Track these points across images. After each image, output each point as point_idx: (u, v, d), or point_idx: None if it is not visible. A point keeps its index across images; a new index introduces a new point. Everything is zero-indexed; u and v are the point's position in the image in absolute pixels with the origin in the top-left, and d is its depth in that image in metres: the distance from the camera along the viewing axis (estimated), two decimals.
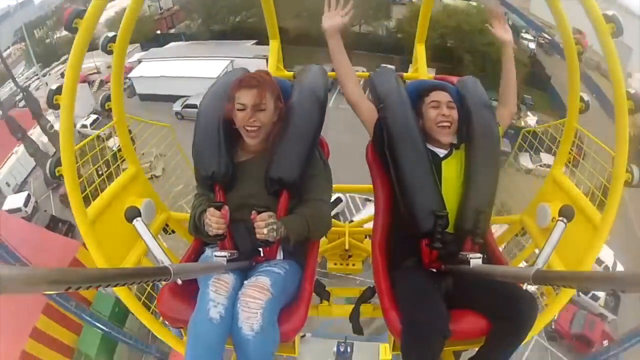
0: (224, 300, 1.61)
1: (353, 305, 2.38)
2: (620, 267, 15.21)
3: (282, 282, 1.75)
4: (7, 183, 22.02)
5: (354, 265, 3.81)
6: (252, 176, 1.93)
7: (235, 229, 1.86)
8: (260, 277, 1.70)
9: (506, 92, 2.26)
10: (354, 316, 2.30)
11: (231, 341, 1.64)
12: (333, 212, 16.90)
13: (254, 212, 1.70)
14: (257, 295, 1.59)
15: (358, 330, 2.27)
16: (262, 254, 1.90)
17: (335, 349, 5.70)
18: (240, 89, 1.86)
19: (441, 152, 2.08)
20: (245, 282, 1.69)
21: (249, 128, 1.86)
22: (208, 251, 2.00)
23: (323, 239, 3.67)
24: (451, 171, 2.03)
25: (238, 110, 1.86)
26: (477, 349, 1.85)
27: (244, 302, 1.59)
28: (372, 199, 2.38)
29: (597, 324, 14.43)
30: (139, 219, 1.63)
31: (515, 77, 2.26)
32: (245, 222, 1.78)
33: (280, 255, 1.95)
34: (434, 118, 2.07)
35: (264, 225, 1.65)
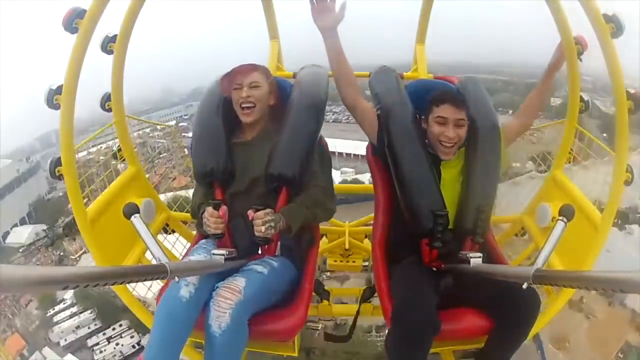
0: (194, 280, 1.64)
1: (353, 305, 2.38)
2: None
3: (262, 282, 1.75)
4: None
5: (354, 262, 3.81)
6: (250, 166, 1.94)
7: (234, 226, 1.86)
8: (237, 277, 1.71)
9: (530, 108, 2.20)
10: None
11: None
12: None
13: (250, 211, 1.71)
14: (228, 296, 1.61)
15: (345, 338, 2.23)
16: (260, 252, 1.90)
17: None
18: (237, 73, 1.99)
19: (442, 156, 2.05)
20: (221, 283, 1.70)
21: (244, 105, 1.95)
22: (202, 242, 2.00)
23: (323, 239, 3.67)
24: (451, 172, 2.02)
25: (234, 89, 1.97)
26: (477, 348, 1.85)
27: (216, 302, 1.62)
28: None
29: None
30: (137, 215, 1.62)
31: (544, 102, 2.20)
32: (243, 217, 1.79)
33: (278, 251, 1.95)
34: (437, 135, 1.98)
35: (262, 223, 1.66)
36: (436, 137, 1.99)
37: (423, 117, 2.06)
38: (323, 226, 3.70)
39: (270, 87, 2.04)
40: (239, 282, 1.67)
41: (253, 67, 2.02)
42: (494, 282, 1.73)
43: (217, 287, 1.67)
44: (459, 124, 1.97)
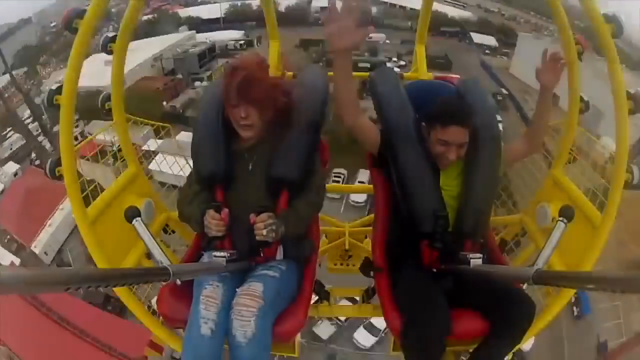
0: (213, 316, 1.64)
1: (353, 306, 2.38)
2: None
3: (277, 286, 1.75)
4: (45, 252, 22.76)
5: (354, 265, 3.81)
6: (251, 168, 1.93)
7: (234, 229, 1.86)
8: (253, 283, 1.70)
9: (533, 133, 2.10)
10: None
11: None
12: None
13: (252, 215, 1.71)
14: (250, 303, 1.61)
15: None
16: (262, 254, 1.90)
17: None
18: (234, 92, 1.80)
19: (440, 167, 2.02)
20: (238, 290, 1.70)
21: (242, 124, 1.85)
22: (205, 256, 1.97)
23: (323, 239, 3.67)
24: (450, 170, 2.02)
25: (231, 106, 1.84)
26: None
27: (237, 311, 1.61)
28: None
29: None
30: (138, 219, 1.63)
31: (546, 126, 2.09)
32: (244, 221, 1.78)
33: (280, 255, 1.95)
34: (439, 152, 1.94)
35: (263, 226, 1.66)
36: (436, 154, 1.96)
37: (424, 124, 2.00)
38: (323, 226, 3.70)
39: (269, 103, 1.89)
40: (257, 287, 1.67)
41: (252, 99, 1.80)
42: (491, 286, 1.73)
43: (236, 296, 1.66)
44: (462, 145, 1.92)
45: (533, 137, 2.12)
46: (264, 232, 1.67)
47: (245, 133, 1.89)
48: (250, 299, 1.62)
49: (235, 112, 1.82)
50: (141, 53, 33.65)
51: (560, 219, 1.68)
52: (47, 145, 29.63)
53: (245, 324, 1.58)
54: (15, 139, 32.15)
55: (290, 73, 3.41)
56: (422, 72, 3.66)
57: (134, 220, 1.62)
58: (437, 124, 1.92)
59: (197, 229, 1.92)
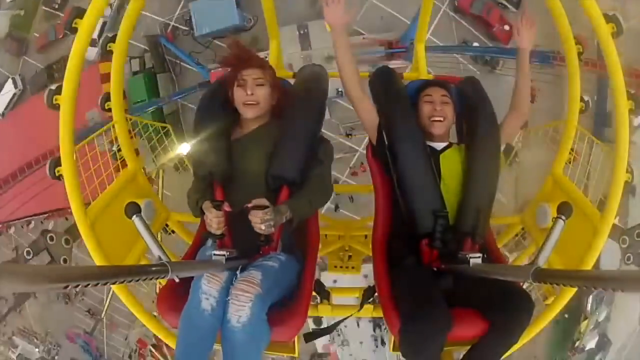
0: (215, 293, 1.63)
1: (353, 306, 2.38)
2: None
3: (275, 276, 1.75)
4: None
5: (353, 268, 3.82)
6: (250, 165, 1.94)
7: (234, 226, 1.86)
8: (253, 271, 1.70)
9: (518, 98, 2.16)
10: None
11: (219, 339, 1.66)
12: None
13: (252, 201, 1.71)
14: (247, 289, 1.60)
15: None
16: (261, 252, 1.90)
17: None
18: (243, 69, 1.96)
19: (439, 145, 2.09)
20: (238, 274, 1.69)
21: (247, 102, 1.94)
22: (209, 242, 1.98)
23: (323, 239, 3.67)
24: (450, 168, 2.03)
25: (238, 86, 1.94)
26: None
27: (234, 295, 1.60)
28: None
29: (494, 11, 14.61)
30: (138, 215, 1.62)
31: (529, 88, 2.16)
32: (243, 218, 1.78)
33: (279, 250, 1.95)
34: (427, 113, 2.09)
35: (260, 221, 1.66)
36: (427, 115, 2.10)
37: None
38: (323, 227, 3.70)
39: (273, 86, 2.02)
40: (256, 275, 1.67)
41: (259, 64, 2.00)
42: (490, 285, 1.73)
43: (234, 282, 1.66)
44: (444, 100, 2.11)
45: (519, 103, 2.16)
46: (262, 226, 1.67)
47: (249, 112, 1.95)
48: (248, 285, 1.61)
49: (241, 84, 1.94)
50: None
51: (559, 216, 1.68)
52: None
53: (240, 309, 1.57)
54: None
55: (290, 73, 3.41)
56: (422, 71, 3.66)
57: (134, 216, 1.62)
58: (420, 93, 2.17)
59: (199, 215, 1.94)
